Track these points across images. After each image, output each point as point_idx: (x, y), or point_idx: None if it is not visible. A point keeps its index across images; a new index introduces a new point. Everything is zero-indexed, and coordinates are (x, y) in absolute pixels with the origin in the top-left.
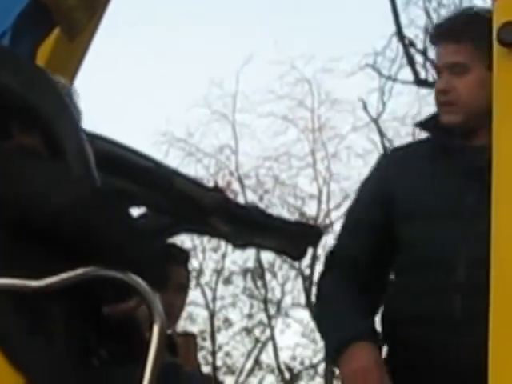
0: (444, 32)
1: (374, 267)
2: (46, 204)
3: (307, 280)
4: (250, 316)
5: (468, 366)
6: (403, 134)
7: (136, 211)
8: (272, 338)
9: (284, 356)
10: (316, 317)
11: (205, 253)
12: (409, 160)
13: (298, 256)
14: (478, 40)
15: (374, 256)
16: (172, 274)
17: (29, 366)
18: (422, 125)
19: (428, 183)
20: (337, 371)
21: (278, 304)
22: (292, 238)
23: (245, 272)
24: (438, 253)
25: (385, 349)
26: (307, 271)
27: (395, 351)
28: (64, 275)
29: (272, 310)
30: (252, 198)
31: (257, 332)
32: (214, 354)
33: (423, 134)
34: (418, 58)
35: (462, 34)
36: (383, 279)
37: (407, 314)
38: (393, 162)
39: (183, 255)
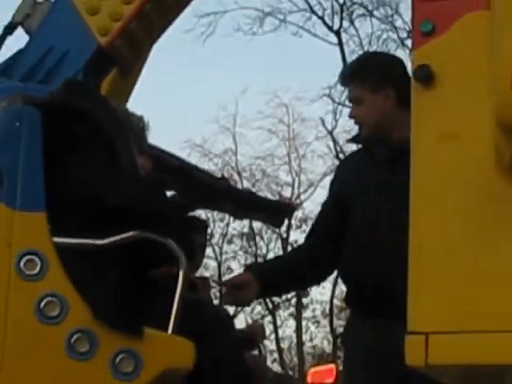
0: (342, 78)
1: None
2: (108, 198)
3: (284, 241)
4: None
5: (390, 289)
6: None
7: (169, 194)
8: None
9: None
10: None
11: (214, 222)
12: (348, 162)
13: (278, 225)
14: (363, 78)
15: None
16: (199, 239)
17: (93, 297)
18: (351, 139)
19: (357, 175)
20: (304, 301)
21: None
22: (274, 212)
23: (242, 235)
24: (367, 218)
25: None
26: (284, 235)
27: (349, 282)
28: (118, 237)
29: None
30: (246, 185)
31: None
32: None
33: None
34: None
35: (352, 77)
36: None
37: (354, 261)
38: (340, 165)
39: (203, 224)
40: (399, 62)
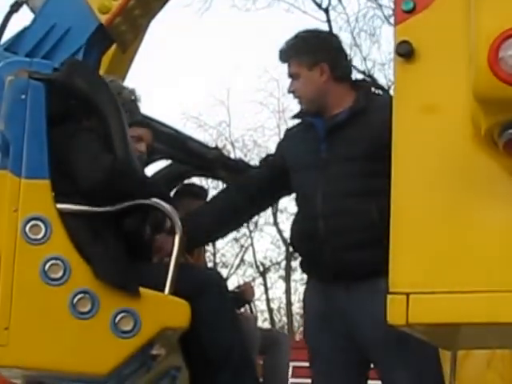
0: (280, 54)
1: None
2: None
3: (274, 208)
4: (237, 230)
5: (328, 260)
6: None
7: (166, 162)
8: (252, 244)
9: (259, 256)
10: None
11: (209, 190)
12: (290, 134)
13: None
14: (299, 54)
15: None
16: (196, 204)
17: (94, 259)
18: (295, 116)
19: (297, 147)
20: (293, 264)
21: (256, 223)
22: None
23: None
24: (306, 192)
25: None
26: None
27: (298, 254)
28: (119, 205)
29: (252, 227)
30: (239, 154)
31: (242, 241)
32: (214, 255)
33: None
34: None
35: (289, 54)
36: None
37: (299, 231)
38: (284, 136)
39: (204, 192)
40: (334, 38)
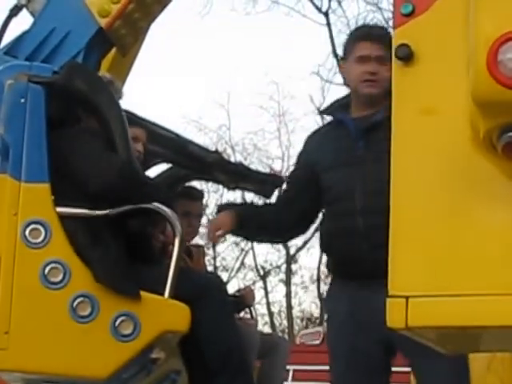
0: (374, 35)
1: (301, 198)
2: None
3: None
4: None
5: (367, 259)
6: None
7: (166, 166)
8: (252, 248)
9: (259, 260)
10: None
11: (209, 193)
12: (317, 135)
13: (268, 195)
14: (387, 43)
15: (300, 190)
16: (195, 206)
17: (93, 262)
18: (323, 111)
19: (329, 145)
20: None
21: None
22: (265, 183)
23: None
24: (341, 189)
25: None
26: None
27: (329, 253)
28: (118, 209)
29: None
30: (239, 158)
31: (242, 244)
32: (214, 258)
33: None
34: None
35: (384, 37)
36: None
37: (332, 230)
38: (309, 138)
39: (200, 194)
40: None
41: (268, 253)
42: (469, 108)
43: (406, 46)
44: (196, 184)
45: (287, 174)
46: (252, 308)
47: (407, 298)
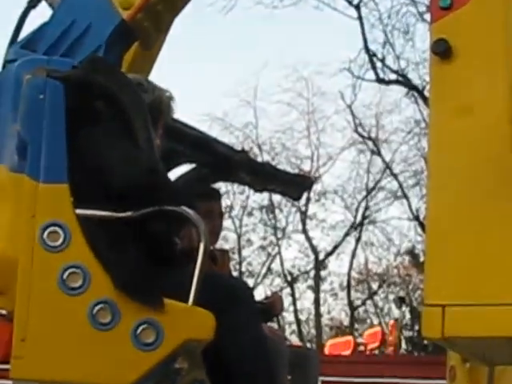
0: None
1: None
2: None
3: (303, 214)
4: (264, 238)
5: None
6: (368, 116)
7: (189, 166)
8: (279, 252)
9: (287, 265)
10: None
11: (234, 195)
12: None
13: (297, 197)
14: None
15: None
16: (215, 206)
17: (114, 267)
18: None
19: None
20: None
21: (284, 230)
22: (293, 185)
23: (261, 208)
24: None
25: None
26: (303, 208)
27: None
28: (142, 211)
29: (279, 234)
30: (266, 158)
31: (269, 249)
32: (240, 263)
33: (383, 116)
34: (378, 64)
35: None
36: None
37: None
38: None
39: (218, 193)
40: None
41: (296, 258)
42: (508, 105)
43: (444, 41)
44: (221, 185)
45: (316, 174)
46: (279, 315)
47: (443, 306)
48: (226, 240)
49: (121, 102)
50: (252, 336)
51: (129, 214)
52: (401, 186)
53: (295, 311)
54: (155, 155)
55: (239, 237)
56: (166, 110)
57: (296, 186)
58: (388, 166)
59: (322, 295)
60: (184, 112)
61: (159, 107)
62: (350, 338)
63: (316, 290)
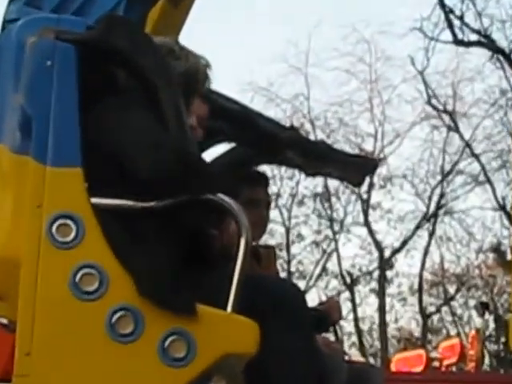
0: None
1: None
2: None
3: (365, 203)
4: (318, 232)
5: None
6: (444, 85)
7: (228, 146)
8: (336, 249)
9: (345, 264)
10: None
11: (282, 180)
12: None
13: (357, 183)
14: None
15: None
16: (260, 194)
17: (137, 268)
18: None
19: None
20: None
21: (341, 222)
22: (353, 167)
23: (315, 196)
24: None
25: None
26: (365, 196)
27: None
28: (171, 200)
29: (336, 227)
30: (321, 136)
31: (324, 245)
32: (288, 262)
33: (461, 85)
34: (456, 23)
35: None
36: None
37: None
38: None
39: (265, 179)
40: None
41: (356, 256)
42: None
43: None
44: (266, 169)
45: (381, 155)
46: (336, 325)
47: None
48: (272, 234)
49: (145, 71)
50: (302, 350)
51: (155, 203)
52: (483, 168)
53: (355, 320)
54: (186, 134)
55: (288, 230)
56: (202, 80)
57: (356, 169)
58: (468, 145)
59: (387, 300)
60: (221, 82)
61: (195, 77)
62: (421, 351)
63: (381, 294)
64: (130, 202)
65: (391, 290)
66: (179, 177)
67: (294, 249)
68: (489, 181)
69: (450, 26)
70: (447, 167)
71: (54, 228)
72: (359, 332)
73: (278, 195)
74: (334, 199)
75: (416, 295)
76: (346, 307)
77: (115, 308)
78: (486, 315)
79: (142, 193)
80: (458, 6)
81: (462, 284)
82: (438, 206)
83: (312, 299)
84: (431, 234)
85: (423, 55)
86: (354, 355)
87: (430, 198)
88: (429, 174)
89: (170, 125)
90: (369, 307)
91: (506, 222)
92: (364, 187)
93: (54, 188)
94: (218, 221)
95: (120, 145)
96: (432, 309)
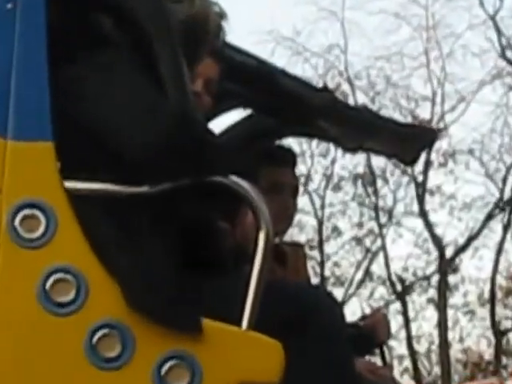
0: None
1: None
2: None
3: (420, 187)
4: (360, 225)
5: None
6: None
7: (241, 113)
8: (383, 247)
9: (395, 267)
10: None
11: (313, 158)
12: None
13: (410, 161)
14: None
15: None
16: (285, 175)
17: (124, 274)
18: None
19: None
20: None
21: (390, 212)
22: (404, 141)
23: (355, 178)
24: None
25: None
26: (420, 177)
27: None
28: (168, 184)
29: (383, 219)
30: (363, 99)
31: (367, 241)
32: (322, 264)
33: None
34: None
35: None
36: None
37: None
38: None
39: (290, 156)
40: None
41: (409, 256)
42: None
43: None
44: (292, 143)
45: (440, 124)
46: (384, 346)
47: None
48: (301, 228)
49: (135, 17)
50: (340, 376)
51: (148, 188)
52: None
53: (408, 338)
54: (190, 100)
55: (321, 223)
56: (213, 31)
57: (409, 142)
58: None
59: (450, 313)
60: (236, 30)
61: (204, 27)
62: (494, 380)
63: (441, 305)
64: (115, 187)
65: (455, 299)
66: (179, 152)
67: (329, 247)
68: None
69: None
70: None
71: (16, 221)
72: (413, 354)
73: (308, 177)
74: (379, 182)
75: (487, 307)
76: (396, 322)
77: (97, 324)
78: None
79: (131, 174)
80: None
81: None
82: None
83: (352, 312)
84: (506, 227)
85: None
86: None
87: (504, 180)
88: (503, 148)
89: (168, 88)
90: (426, 322)
91: None
92: (419, 166)
93: (16, 168)
94: (230, 211)
95: (102, 113)
96: (508, 324)
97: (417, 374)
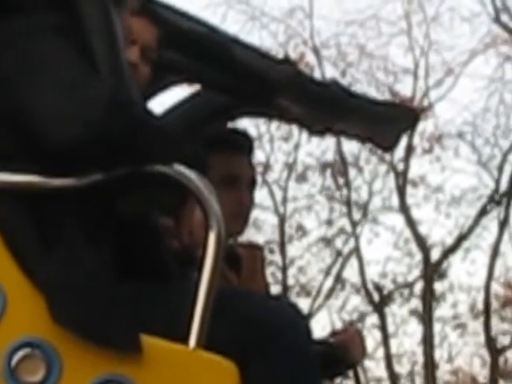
0: None
1: None
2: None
3: (400, 177)
4: (329, 222)
5: None
6: None
7: (187, 89)
8: (357, 249)
9: (372, 272)
10: None
11: (273, 142)
12: None
13: (388, 146)
14: None
15: None
16: (240, 164)
17: (48, 283)
18: None
19: None
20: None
21: (365, 207)
22: (382, 122)
23: (323, 167)
24: None
25: None
26: (400, 166)
27: None
28: (100, 175)
29: (357, 215)
30: (331, 72)
31: (338, 242)
32: (284, 269)
33: None
34: None
35: None
36: None
37: None
38: None
39: (246, 141)
40: None
41: (388, 259)
42: None
43: None
44: (248, 125)
45: (424, 103)
46: (358, 367)
47: None
48: (259, 227)
49: None
50: None
51: (76, 180)
52: None
53: (387, 357)
54: (126, 76)
55: (282, 221)
56: None
57: (387, 123)
58: None
59: (437, 328)
60: None
61: None
62: None
63: (426, 318)
64: (38, 179)
65: (442, 311)
66: (110, 138)
67: (293, 249)
68: None
69: None
70: None
71: None
72: (393, 377)
73: (267, 166)
74: (352, 172)
75: (481, 319)
76: (372, 339)
77: (16, 343)
78: None
79: (55, 164)
80: None
81: None
82: None
83: (321, 327)
84: (502, 224)
85: None
86: None
87: (500, 169)
88: (498, 131)
89: (99, 62)
90: (408, 338)
91: None
92: (399, 152)
93: None
94: (173, 206)
95: (20, 91)
96: (505, 340)
97: None
